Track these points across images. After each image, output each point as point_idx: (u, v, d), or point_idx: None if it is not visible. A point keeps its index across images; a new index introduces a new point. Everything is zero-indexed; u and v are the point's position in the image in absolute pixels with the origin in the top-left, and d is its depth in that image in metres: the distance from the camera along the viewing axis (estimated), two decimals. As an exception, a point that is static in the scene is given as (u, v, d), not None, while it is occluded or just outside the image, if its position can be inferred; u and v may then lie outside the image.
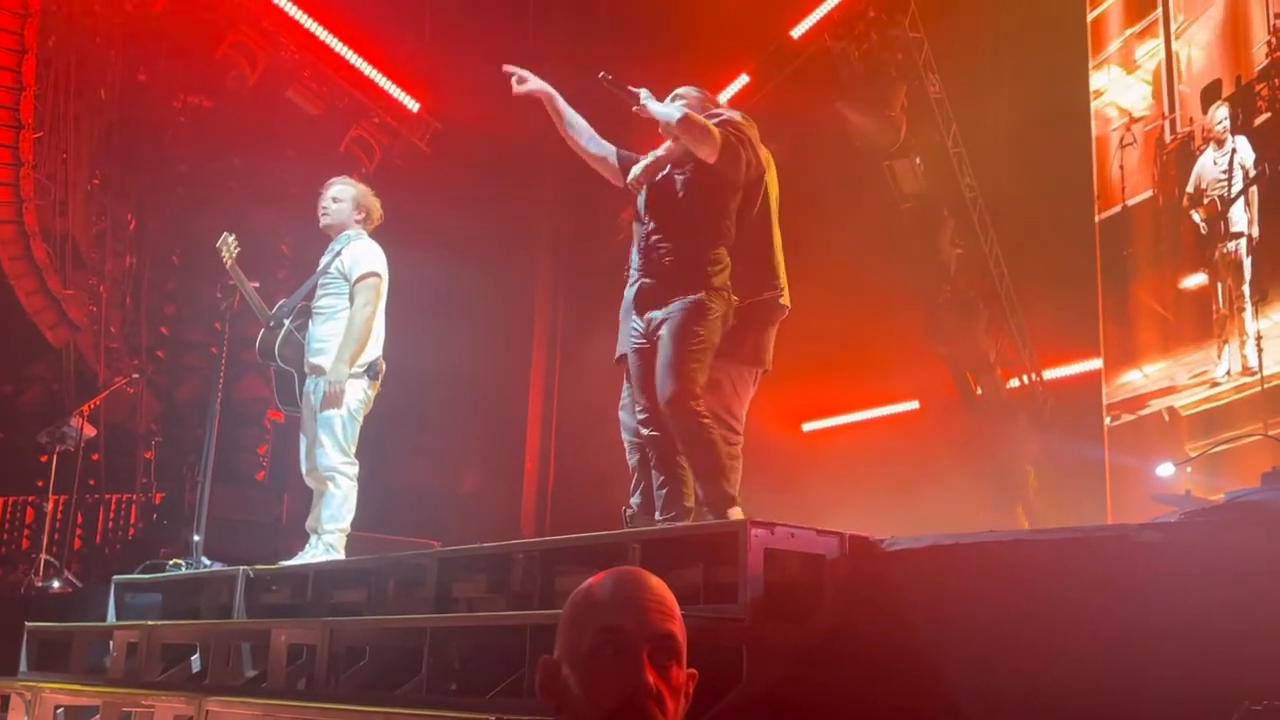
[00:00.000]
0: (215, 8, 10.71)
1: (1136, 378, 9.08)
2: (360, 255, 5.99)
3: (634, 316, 4.71)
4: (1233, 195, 8.30)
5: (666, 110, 4.60)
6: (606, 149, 4.94)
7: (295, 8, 11.06)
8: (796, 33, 11.11)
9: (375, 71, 11.74)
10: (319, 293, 6.07)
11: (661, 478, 4.54)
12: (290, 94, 11.25)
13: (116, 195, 11.79)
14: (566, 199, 13.84)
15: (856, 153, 10.98)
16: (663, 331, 4.54)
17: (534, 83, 4.90)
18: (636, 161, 4.84)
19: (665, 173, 4.73)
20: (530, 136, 12.86)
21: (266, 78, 11.05)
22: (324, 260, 6.12)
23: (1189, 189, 8.75)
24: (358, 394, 5.89)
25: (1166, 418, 8.71)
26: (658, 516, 4.52)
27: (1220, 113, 8.49)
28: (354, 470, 5.90)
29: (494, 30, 12.53)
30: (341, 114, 11.65)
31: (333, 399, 5.79)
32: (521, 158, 12.61)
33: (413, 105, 12.08)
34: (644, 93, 4.70)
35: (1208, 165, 8.57)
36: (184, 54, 11.35)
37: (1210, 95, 8.65)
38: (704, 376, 4.52)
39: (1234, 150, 8.33)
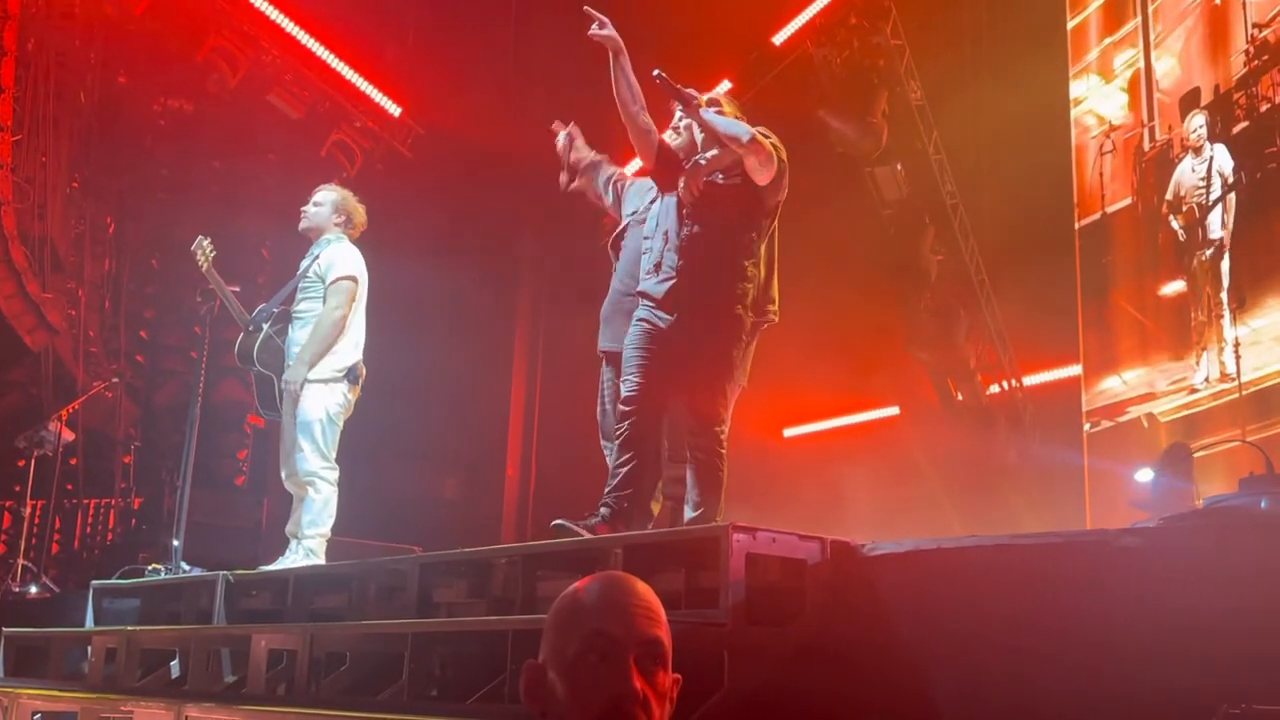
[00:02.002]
0: (196, 11, 10.64)
1: (1116, 384, 9.14)
2: (337, 258, 5.96)
3: (657, 311, 4.67)
4: (1211, 202, 8.36)
5: (733, 126, 4.62)
6: (652, 127, 4.91)
7: (277, 11, 11.01)
8: (778, 39, 11.14)
9: (357, 76, 11.70)
10: (298, 297, 6.04)
11: (629, 452, 4.62)
12: (271, 98, 11.19)
13: (96, 199, 11.71)
14: (548, 204, 13.82)
15: (838, 159, 11.01)
16: (699, 344, 4.59)
17: (610, 30, 4.81)
18: (676, 152, 4.87)
19: (712, 178, 4.73)
20: (511, 141, 12.89)
21: (247, 81, 10.99)
22: (304, 264, 6.10)
23: (1168, 196, 8.81)
24: (338, 398, 5.87)
25: (1146, 424, 8.76)
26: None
27: (1198, 120, 8.56)
28: (334, 475, 5.88)
29: (475, 36, 12.52)
30: (323, 118, 11.60)
31: (290, 400, 5.77)
32: (503, 162, 12.59)
33: (394, 110, 12.04)
34: (698, 93, 4.72)
35: (1186, 172, 8.63)
36: (165, 57, 11.27)
37: (1189, 104, 8.72)
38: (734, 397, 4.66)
39: (1212, 158, 8.39)
